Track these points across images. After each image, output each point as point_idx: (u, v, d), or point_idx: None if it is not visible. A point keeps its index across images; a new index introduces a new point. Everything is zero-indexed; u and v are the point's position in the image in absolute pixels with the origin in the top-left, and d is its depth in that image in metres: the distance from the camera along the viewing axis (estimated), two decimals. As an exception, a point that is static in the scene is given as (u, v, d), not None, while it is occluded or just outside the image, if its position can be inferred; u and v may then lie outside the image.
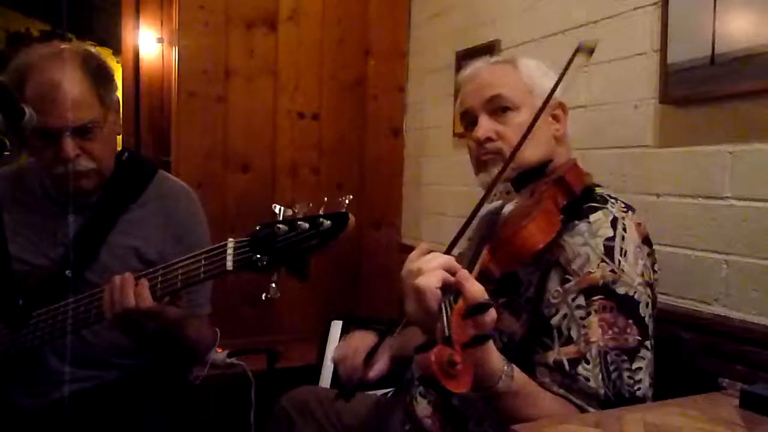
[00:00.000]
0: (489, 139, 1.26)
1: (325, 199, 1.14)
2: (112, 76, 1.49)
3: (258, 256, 1.14)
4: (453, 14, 2.61)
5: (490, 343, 0.93)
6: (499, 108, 1.27)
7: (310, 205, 1.15)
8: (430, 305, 0.89)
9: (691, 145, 1.57)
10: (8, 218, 1.24)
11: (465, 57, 2.48)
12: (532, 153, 1.22)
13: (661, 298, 1.60)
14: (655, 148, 1.67)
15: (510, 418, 0.97)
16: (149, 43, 4.14)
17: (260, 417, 2.30)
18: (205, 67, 2.60)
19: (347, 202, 1.13)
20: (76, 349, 1.39)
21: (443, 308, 0.88)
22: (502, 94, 1.26)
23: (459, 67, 2.51)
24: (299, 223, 1.12)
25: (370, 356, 1.31)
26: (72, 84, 1.37)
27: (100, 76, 1.43)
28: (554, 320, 1.07)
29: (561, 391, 1.03)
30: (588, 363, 1.02)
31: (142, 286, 1.22)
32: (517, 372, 0.97)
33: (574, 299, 1.06)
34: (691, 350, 1.34)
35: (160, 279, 1.24)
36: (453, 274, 0.92)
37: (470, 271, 0.95)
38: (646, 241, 1.15)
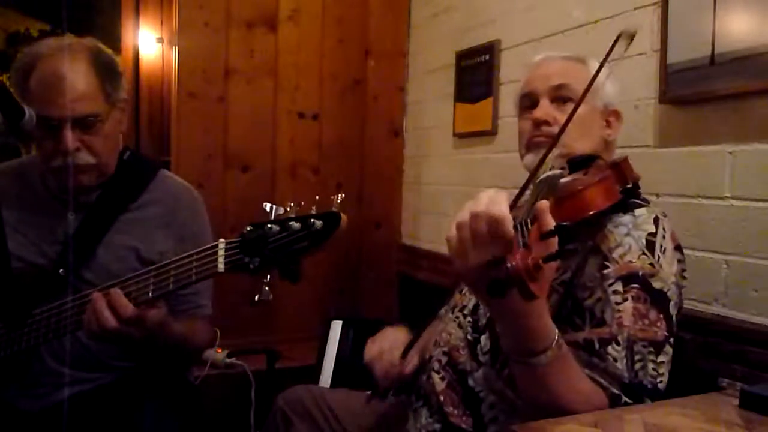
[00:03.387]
0: (546, 123, 1.28)
1: (317, 197, 1.12)
2: (121, 74, 1.48)
3: (249, 258, 1.13)
4: (453, 14, 2.61)
5: (545, 304, 0.95)
6: (561, 97, 1.30)
7: (302, 204, 1.12)
8: (506, 230, 0.89)
9: (691, 145, 1.57)
10: (8, 214, 1.23)
11: (465, 57, 2.49)
12: (581, 145, 1.25)
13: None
14: (655, 148, 1.67)
15: (541, 393, 0.97)
16: (149, 43, 4.15)
17: (260, 417, 2.30)
18: (205, 67, 2.60)
19: (339, 201, 1.11)
20: (75, 352, 1.39)
21: (519, 228, 0.91)
22: (569, 85, 1.29)
23: (459, 67, 2.52)
24: (290, 223, 1.10)
25: (407, 351, 1.30)
26: (77, 75, 1.37)
27: (107, 72, 1.42)
28: (588, 302, 1.09)
29: (586, 370, 1.04)
30: (618, 345, 1.04)
31: (117, 295, 1.20)
32: (564, 342, 0.98)
33: (611, 284, 1.08)
34: (691, 350, 1.35)
35: (152, 281, 1.22)
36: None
37: (528, 217, 0.96)
38: (679, 248, 1.18)
